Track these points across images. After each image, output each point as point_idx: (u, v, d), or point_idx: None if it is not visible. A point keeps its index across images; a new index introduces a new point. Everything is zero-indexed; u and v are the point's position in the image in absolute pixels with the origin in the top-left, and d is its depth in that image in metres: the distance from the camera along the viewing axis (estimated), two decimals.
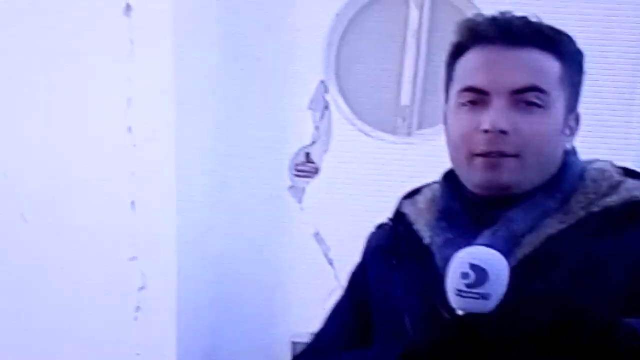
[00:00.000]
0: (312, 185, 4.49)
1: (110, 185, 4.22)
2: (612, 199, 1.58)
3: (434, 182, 1.75)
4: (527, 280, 1.48)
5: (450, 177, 1.69)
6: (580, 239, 1.54)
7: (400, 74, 4.41)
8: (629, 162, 1.68)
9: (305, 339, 4.49)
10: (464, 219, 1.61)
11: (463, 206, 1.63)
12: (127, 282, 4.20)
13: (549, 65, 1.58)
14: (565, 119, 1.61)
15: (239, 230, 4.50)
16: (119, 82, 4.17)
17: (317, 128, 4.44)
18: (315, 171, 4.47)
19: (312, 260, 4.48)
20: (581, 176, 1.62)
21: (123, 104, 4.18)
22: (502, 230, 1.54)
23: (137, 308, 4.23)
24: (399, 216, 1.76)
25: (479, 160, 1.56)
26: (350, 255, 4.44)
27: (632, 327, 1.41)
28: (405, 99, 4.41)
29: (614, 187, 1.60)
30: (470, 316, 1.44)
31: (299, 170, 4.48)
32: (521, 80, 1.55)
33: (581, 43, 1.66)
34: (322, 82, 4.43)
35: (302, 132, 4.46)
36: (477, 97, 1.58)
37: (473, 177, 1.59)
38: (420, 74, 4.39)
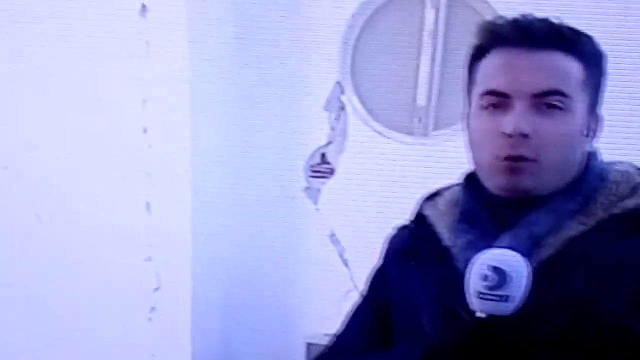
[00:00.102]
0: (328, 187, 4.48)
1: (125, 186, 4.23)
2: (634, 201, 1.57)
3: (455, 184, 1.74)
4: (548, 283, 1.47)
5: (471, 179, 1.68)
6: (601, 241, 1.53)
7: (416, 75, 4.40)
8: None
9: (321, 340, 4.50)
10: (485, 221, 1.60)
11: (484, 208, 1.62)
12: (142, 283, 4.21)
13: (571, 68, 1.56)
14: (587, 122, 1.60)
15: (254, 232, 4.49)
16: (135, 83, 4.18)
17: (333, 129, 4.44)
18: (331, 172, 4.46)
19: (327, 261, 4.47)
20: (602, 178, 1.61)
21: (139, 105, 4.19)
22: (523, 232, 1.53)
23: (152, 309, 4.23)
24: (420, 218, 1.75)
25: (501, 164, 1.55)
26: (366, 257, 4.42)
27: None
28: (421, 100, 4.40)
29: (636, 189, 1.59)
30: (490, 319, 1.44)
31: (314, 171, 4.47)
32: (543, 84, 1.54)
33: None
34: (338, 83, 4.43)
35: (318, 133, 4.45)
36: (499, 101, 1.57)
37: (495, 181, 1.58)
38: (437, 74, 4.37)
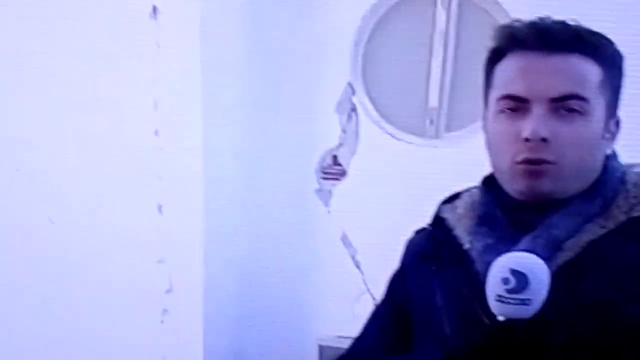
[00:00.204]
0: (340, 188, 4.47)
1: (137, 188, 4.24)
2: None
3: (473, 187, 1.74)
4: (568, 286, 1.47)
5: (489, 182, 1.68)
6: (621, 243, 1.52)
7: (427, 76, 4.38)
8: None
9: (333, 342, 4.51)
10: (504, 224, 1.60)
11: (503, 211, 1.62)
12: (154, 285, 4.21)
13: (589, 71, 1.56)
14: (606, 124, 1.60)
15: (266, 233, 4.49)
16: (146, 85, 4.18)
17: (344, 131, 4.43)
18: (343, 174, 4.46)
19: (339, 263, 4.46)
20: (622, 180, 1.60)
21: (150, 106, 4.19)
22: (542, 235, 1.52)
23: (164, 311, 4.24)
24: (438, 221, 1.74)
25: (520, 168, 1.55)
26: (378, 259, 4.43)
27: None
28: (432, 101, 4.38)
29: None
30: (510, 322, 1.44)
31: (326, 173, 4.47)
32: (561, 88, 1.54)
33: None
34: (349, 84, 4.42)
35: (330, 134, 4.44)
36: (517, 105, 1.56)
37: (514, 185, 1.58)
38: (448, 75, 4.36)
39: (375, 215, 4.36)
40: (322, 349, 4.40)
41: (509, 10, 4.18)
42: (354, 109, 4.43)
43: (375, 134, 4.43)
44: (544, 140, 1.52)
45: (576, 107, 1.54)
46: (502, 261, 1.45)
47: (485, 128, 1.66)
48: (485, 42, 4.28)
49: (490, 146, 1.63)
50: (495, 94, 1.62)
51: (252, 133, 4.46)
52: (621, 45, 1.65)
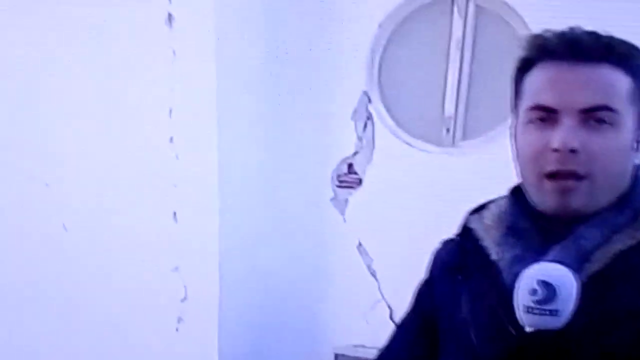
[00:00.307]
0: (355, 197, 4.47)
1: (152, 195, 4.24)
2: None
3: (501, 197, 1.72)
4: (596, 297, 1.46)
5: (517, 192, 1.66)
6: None
7: (443, 85, 4.38)
8: None
9: (348, 350, 4.49)
10: (532, 235, 1.58)
11: (531, 222, 1.60)
12: (169, 293, 4.22)
13: (620, 82, 1.54)
14: (636, 135, 1.58)
15: (281, 242, 4.48)
16: (161, 93, 4.20)
17: (359, 139, 4.43)
18: (358, 182, 4.45)
19: (355, 272, 4.45)
20: None
21: (165, 114, 4.20)
22: (571, 246, 1.51)
23: (179, 319, 4.24)
24: (466, 231, 1.73)
25: (550, 184, 1.53)
26: (394, 267, 4.42)
27: None
28: (449, 110, 4.38)
29: None
30: (538, 333, 1.43)
31: (341, 181, 4.46)
32: (591, 99, 1.52)
33: None
34: (365, 92, 4.41)
35: (345, 143, 4.44)
36: (546, 115, 1.55)
37: (544, 200, 1.56)
38: (464, 84, 4.36)
39: (391, 224, 4.35)
40: (337, 357, 4.39)
41: (525, 19, 4.17)
42: (370, 118, 4.43)
43: (391, 142, 4.43)
44: (573, 151, 1.50)
45: (606, 118, 1.52)
46: (531, 272, 1.44)
47: (513, 139, 1.64)
48: (502, 51, 4.28)
49: (519, 157, 1.62)
50: (524, 104, 1.60)
51: (267, 141, 4.46)
52: None
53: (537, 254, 1.51)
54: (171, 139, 4.20)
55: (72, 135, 4.31)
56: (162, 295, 4.22)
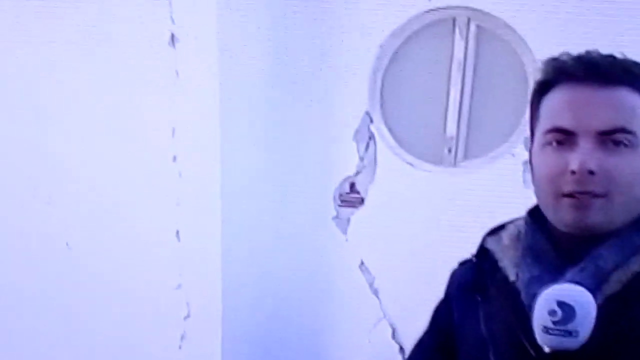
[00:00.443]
0: (357, 216, 4.48)
1: (155, 214, 4.25)
2: None
3: (518, 218, 1.73)
4: (613, 318, 1.47)
5: (534, 213, 1.67)
6: None
7: (445, 105, 4.40)
8: None
9: None
10: (550, 256, 1.59)
11: (549, 242, 1.61)
12: (172, 311, 4.22)
13: (637, 104, 1.55)
14: None
15: (284, 260, 4.49)
16: (164, 112, 4.21)
17: (362, 159, 4.44)
18: (360, 202, 4.46)
19: (357, 290, 4.46)
20: None
21: (168, 133, 4.21)
22: (589, 267, 1.51)
23: (182, 337, 4.24)
24: (483, 252, 1.74)
25: (567, 201, 1.54)
26: (396, 286, 4.43)
27: None
28: (450, 130, 4.40)
29: None
30: (556, 353, 1.45)
31: (343, 201, 4.47)
32: (609, 121, 1.53)
33: None
34: (367, 112, 4.43)
35: (347, 162, 4.45)
36: (564, 137, 1.56)
37: (561, 217, 1.57)
38: (466, 104, 4.38)
39: (393, 243, 4.36)
40: None
41: (527, 40, 4.20)
42: (371, 137, 4.45)
43: (393, 162, 4.44)
44: (591, 173, 1.51)
45: (623, 140, 1.53)
46: (549, 293, 1.45)
47: (530, 160, 1.66)
48: (503, 71, 4.30)
49: (536, 179, 1.63)
50: (542, 126, 1.61)
51: (269, 160, 4.47)
52: None
53: (555, 275, 1.52)
54: (174, 158, 4.22)
55: (75, 153, 4.32)
56: (165, 313, 4.22)
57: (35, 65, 4.31)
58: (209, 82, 4.18)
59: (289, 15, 4.39)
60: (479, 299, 1.67)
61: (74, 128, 4.33)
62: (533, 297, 1.48)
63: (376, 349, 4.36)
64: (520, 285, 1.59)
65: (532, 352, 1.47)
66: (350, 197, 4.47)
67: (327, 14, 4.39)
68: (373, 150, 4.44)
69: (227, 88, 4.22)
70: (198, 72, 4.21)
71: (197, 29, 4.20)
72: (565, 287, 1.45)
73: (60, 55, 4.31)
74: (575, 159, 1.52)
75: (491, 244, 1.73)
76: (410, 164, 4.43)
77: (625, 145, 1.53)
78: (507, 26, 4.26)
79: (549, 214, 1.60)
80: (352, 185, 4.47)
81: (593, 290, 1.45)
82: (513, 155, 4.23)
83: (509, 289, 1.61)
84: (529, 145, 1.68)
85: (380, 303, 4.42)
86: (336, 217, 4.50)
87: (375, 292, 4.45)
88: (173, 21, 4.19)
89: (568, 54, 1.61)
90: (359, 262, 4.46)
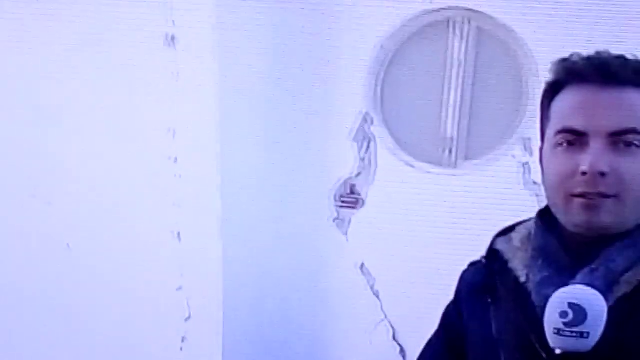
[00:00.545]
0: (357, 217, 4.48)
1: (155, 215, 4.24)
2: None
3: (529, 219, 1.74)
4: (623, 320, 1.48)
5: (544, 215, 1.68)
6: None
7: (444, 105, 4.40)
8: None
9: None
10: (561, 257, 1.60)
11: (559, 244, 1.61)
12: (173, 313, 4.21)
13: None
14: None
15: (285, 262, 4.48)
16: (164, 113, 4.20)
17: (361, 160, 4.44)
18: (360, 203, 4.46)
19: (357, 292, 4.45)
20: None
21: (167, 134, 4.21)
22: (600, 268, 1.53)
23: (183, 339, 4.23)
24: (493, 253, 1.74)
25: (578, 202, 1.55)
26: (396, 287, 4.43)
27: None
28: (450, 130, 4.40)
29: None
30: (568, 355, 1.45)
31: (343, 202, 4.47)
32: (620, 122, 1.54)
33: None
34: (366, 113, 4.43)
35: (346, 163, 4.45)
36: (575, 139, 1.57)
37: (572, 218, 1.58)
38: (466, 105, 4.38)
39: (393, 244, 4.36)
40: None
41: (526, 40, 4.20)
42: (370, 138, 4.45)
43: (392, 163, 4.43)
44: (601, 174, 1.52)
45: (634, 141, 1.54)
46: (560, 294, 1.46)
47: (541, 161, 1.66)
48: (503, 72, 4.31)
49: (547, 180, 1.64)
50: (552, 127, 1.62)
51: (269, 161, 4.47)
52: None
53: (566, 276, 1.53)
54: (174, 159, 4.21)
55: (75, 154, 4.31)
56: (166, 315, 4.21)
57: (35, 65, 4.30)
58: (208, 83, 4.18)
59: (289, 16, 4.39)
60: (489, 300, 1.68)
61: (73, 128, 4.31)
62: (544, 298, 1.49)
63: (377, 350, 4.37)
64: (530, 286, 1.60)
65: (543, 353, 1.48)
66: (350, 198, 4.47)
67: (326, 15, 4.38)
68: (373, 151, 4.44)
69: (227, 88, 4.21)
70: (198, 73, 4.20)
71: (196, 30, 4.20)
72: (576, 289, 1.46)
73: (59, 56, 4.30)
74: (586, 160, 1.53)
75: (501, 245, 1.73)
76: (410, 165, 4.43)
77: (637, 147, 1.55)
78: (507, 27, 4.26)
79: (560, 215, 1.61)
80: (352, 187, 4.47)
81: (604, 292, 1.46)
82: (512, 156, 4.23)
83: (520, 290, 1.62)
84: (539, 145, 1.69)
85: (381, 304, 4.42)
86: (336, 219, 4.50)
87: (376, 294, 4.44)
88: (173, 22, 4.18)
89: (579, 55, 1.62)
90: (359, 263, 4.45)
